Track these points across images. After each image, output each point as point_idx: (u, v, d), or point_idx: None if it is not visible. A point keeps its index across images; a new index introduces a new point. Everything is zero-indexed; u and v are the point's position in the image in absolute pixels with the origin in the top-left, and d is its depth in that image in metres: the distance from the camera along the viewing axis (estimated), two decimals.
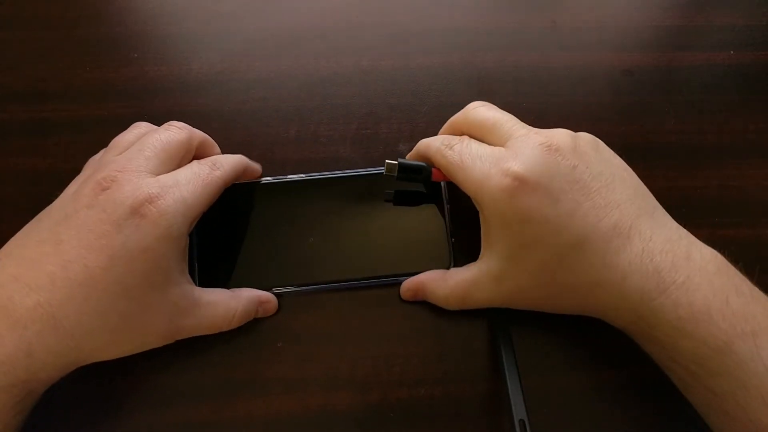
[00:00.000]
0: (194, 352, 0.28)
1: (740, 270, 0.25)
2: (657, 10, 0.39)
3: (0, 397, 0.21)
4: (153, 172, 0.25)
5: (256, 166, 0.32)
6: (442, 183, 0.31)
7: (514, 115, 0.30)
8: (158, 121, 0.34)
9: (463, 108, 0.30)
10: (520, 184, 0.24)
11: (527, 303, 0.28)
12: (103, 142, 0.33)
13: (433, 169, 0.29)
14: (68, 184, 0.28)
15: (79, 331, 0.22)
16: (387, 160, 0.29)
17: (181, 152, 0.27)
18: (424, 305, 0.30)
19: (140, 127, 0.29)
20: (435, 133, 0.34)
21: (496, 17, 0.38)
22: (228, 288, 0.29)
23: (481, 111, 0.28)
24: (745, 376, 0.22)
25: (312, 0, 0.38)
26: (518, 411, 0.24)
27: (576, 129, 0.34)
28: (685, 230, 0.26)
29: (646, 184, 0.27)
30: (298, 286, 0.30)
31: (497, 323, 0.28)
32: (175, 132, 0.28)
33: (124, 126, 0.34)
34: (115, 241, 0.23)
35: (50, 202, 0.31)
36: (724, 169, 0.34)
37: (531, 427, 0.24)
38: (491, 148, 0.26)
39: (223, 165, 0.28)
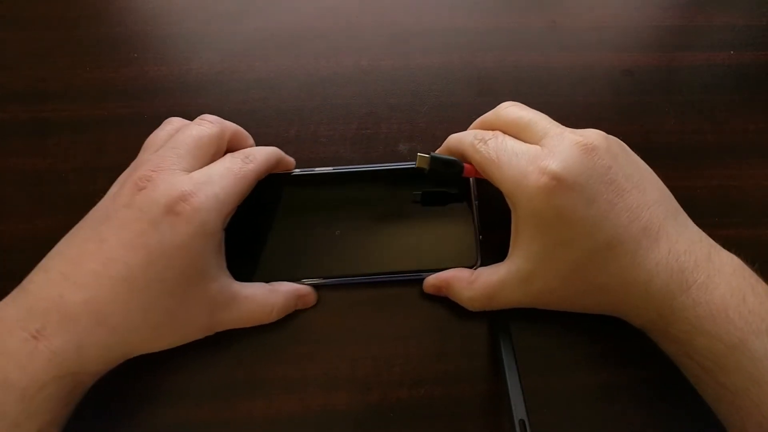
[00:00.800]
0: (195, 352, 0.28)
1: (756, 272, 0.25)
2: (657, 10, 0.39)
3: (51, 388, 0.22)
4: (186, 170, 0.26)
5: (290, 159, 0.32)
6: (471, 179, 0.31)
7: None
8: (158, 122, 0.34)
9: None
10: (558, 183, 0.24)
11: (553, 303, 0.28)
12: (103, 142, 0.33)
13: (465, 165, 0.29)
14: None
15: (125, 326, 0.23)
16: (419, 153, 0.28)
17: (213, 146, 0.28)
18: (423, 306, 0.30)
19: (173, 123, 0.29)
20: (435, 133, 0.34)
21: (496, 17, 0.38)
22: (253, 277, 0.29)
23: (513, 110, 0.29)
24: (758, 372, 0.22)
25: (312, 0, 0.38)
26: (518, 411, 0.24)
27: (576, 129, 0.34)
28: (704, 233, 0.26)
29: None
30: (323, 279, 0.30)
31: (497, 323, 0.28)
32: (207, 127, 0.28)
33: (124, 126, 0.34)
34: (152, 239, 0.23)
35: (50, 202, 0.32)
36: (724, 169, 0.34)
37: (531, 427, 0.24)
38: (527, 146, 0.26)
39: (257, 158, 0.28)
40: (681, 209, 0.27)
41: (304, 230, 0.30)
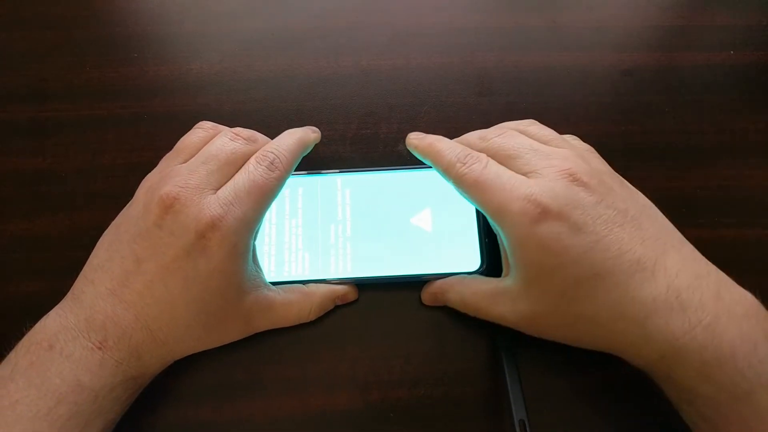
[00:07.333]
0: (195, 352, 0.28)
1: None
2: (657, 10, 0.39)
3: (119, 390, 0.24)
4: (214, 187, 0.25)
5: (315, 136, 0.30)
6: None
7: (514, 116, 0.29)
8: (158, 122, 0.34)
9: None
10: (543, 211, 0.24)
11: (542, 330, 0.27)
12: (102, 142, 0.33)
13: None
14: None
15: (171, 340, 0.25)
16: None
17: (244, 162, 0.27)
18: (423, 306, 0.30)
19: (205, 128, 0.29)
20: (435, 133, 0.34)
21: (496, 17, 0.38)
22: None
23: (499, 140, 0.27)
24: (760, 426, 0.21)
25: (312, 0, 0.38)
26: (518, 411, 0.24)
27: (576, 129, 0.34)
28: (714, 266, 0.24)
29: (646, 184, 0.27)
30: (326, 281, 0.30)
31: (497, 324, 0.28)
32: (241, 144, 0.27)
33: (124, 126, 0.34)
34: (186, 264, 0.24)
35: (50, 202, 0.32)
36: (724, 169, 0.34)
37: (531, 427, 0.24)
38: (512, 173, 0.26)
39: (282, 164, 0.27)
40: (687, 242, 0.25)
41: (306, 232, 0.30)
